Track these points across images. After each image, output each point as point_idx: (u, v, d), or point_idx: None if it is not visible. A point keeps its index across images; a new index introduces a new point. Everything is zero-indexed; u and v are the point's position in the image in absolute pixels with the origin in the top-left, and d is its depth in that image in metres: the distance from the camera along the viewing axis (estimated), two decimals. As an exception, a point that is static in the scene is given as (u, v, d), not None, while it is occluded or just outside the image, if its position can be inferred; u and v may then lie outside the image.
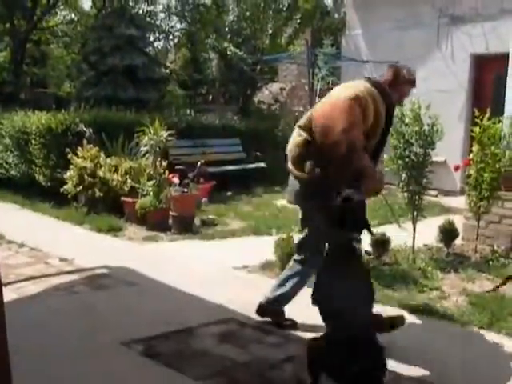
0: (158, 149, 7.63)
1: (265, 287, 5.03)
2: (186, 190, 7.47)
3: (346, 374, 2.84)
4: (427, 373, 3.37)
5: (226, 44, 11.64)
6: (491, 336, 4.03)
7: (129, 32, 11.51)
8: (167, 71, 12.47)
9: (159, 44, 15.62)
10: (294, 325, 4.08)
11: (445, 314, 4.37)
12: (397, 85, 3.90)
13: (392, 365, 3.27)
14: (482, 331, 4.09)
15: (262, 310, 4.11)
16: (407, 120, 5.83)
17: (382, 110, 3.56)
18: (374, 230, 6.13)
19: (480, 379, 3.39)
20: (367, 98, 3.45)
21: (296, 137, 3.75)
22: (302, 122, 3.75)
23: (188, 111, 11.19)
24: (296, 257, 4.08)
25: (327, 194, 3.07)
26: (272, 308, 4.09)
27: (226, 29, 12.53)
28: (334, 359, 2.89)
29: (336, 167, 3.33)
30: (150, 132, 7.61)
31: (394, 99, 3.88)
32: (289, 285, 4.02)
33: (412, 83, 3.98)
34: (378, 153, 3.84)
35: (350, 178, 3.18)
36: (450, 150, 9.55)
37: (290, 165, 3.81)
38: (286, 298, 4.06)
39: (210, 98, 12.02)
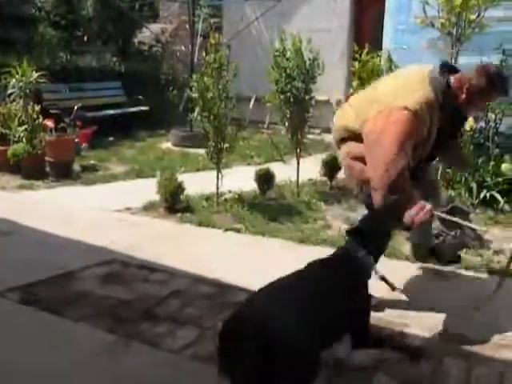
0: (28, 91, 7.06)
1: (148, 227, 4.92)
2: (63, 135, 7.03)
3: None
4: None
5: (100, -21, 10.92)
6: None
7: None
8: (37, 10, 11.50)
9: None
10: None
11: (330, 242, 4.47)
12: (484, 95, 3.19)
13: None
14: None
15: None
16: (288, 54, 5.80)
17: (435, 121, 3.10)
18: (261, 167, 6.20)
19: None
20: (425, 112, 3.01)
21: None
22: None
23: (62, 54, 10.44)
24: None
25: None
26: None
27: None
28: None
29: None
30: (17, 73, 7.01)
31: (469, 111, 3.35)
32: None
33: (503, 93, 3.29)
34: (431, 158, 3.52)
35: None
36: (332, 89, 9.73)
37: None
38: None
39: (86, 38, 11.29)
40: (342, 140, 3.37)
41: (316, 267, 2.51)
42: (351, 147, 3.27)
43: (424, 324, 3.12)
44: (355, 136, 3.23)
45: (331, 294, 2.36)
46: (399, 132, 2.94)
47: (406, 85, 3.16)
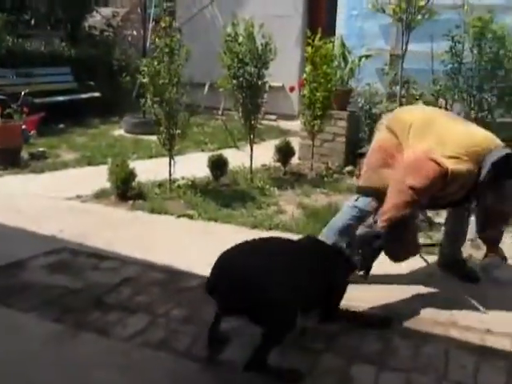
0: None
1: (99, 215, 4.83)
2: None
3: None
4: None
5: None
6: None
7: None
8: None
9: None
10: None
11: (283, 226, 4.49)
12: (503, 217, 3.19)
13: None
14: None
15: None
16: (241, 39, 5.75)
17: (468, 182, 3.06)
18: (213, 153, 6.16)
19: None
20: (459, 180, 3.00)
21: None
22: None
23: (8, 37, 10.04)
24: None
25: None
26: None
27: None
28: None
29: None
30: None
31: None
32: None
33: None
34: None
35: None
36: (287, 75, 9.76)
37: None
38: None
39: (33, 22, 10.89)
40: None
41: (306, 243, 2.98)
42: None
43: (376, 304, 3.17)
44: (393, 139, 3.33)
45: (312, 269, 2.69)
46: (426, 183, 2.96)
47: (460, 144, 3.04)
